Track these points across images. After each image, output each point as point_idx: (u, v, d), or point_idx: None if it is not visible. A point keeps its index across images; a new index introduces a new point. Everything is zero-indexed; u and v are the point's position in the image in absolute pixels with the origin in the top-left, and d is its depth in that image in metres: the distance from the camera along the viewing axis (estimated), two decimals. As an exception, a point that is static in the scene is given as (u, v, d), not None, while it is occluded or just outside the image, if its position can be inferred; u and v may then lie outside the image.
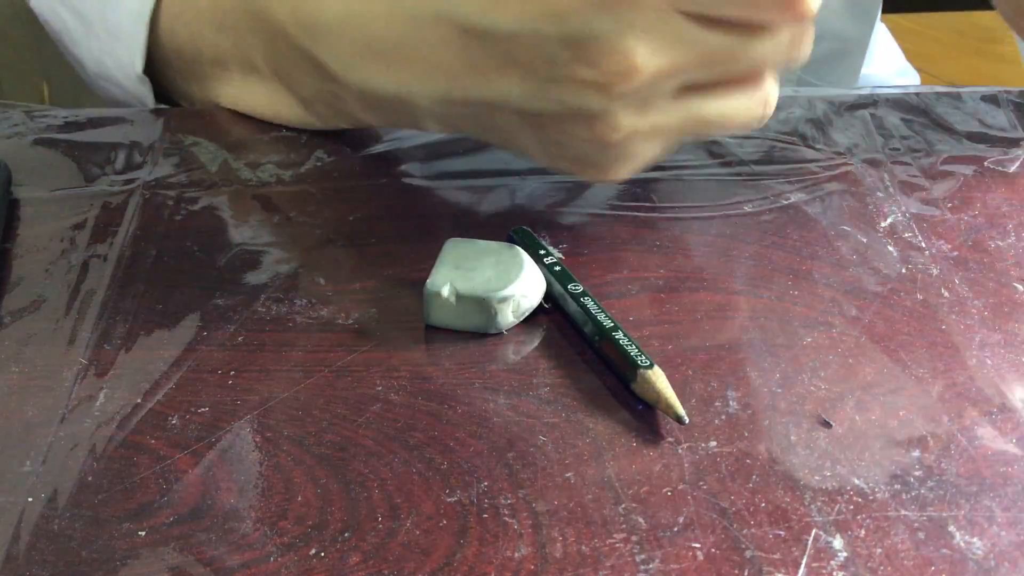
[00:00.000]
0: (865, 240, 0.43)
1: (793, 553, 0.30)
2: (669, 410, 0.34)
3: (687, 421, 0.34)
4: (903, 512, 0.32)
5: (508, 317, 0.38)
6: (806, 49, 0.37)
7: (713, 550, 0.30)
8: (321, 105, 0.46)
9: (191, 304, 0.40)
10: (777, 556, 0.30)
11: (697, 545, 0.31)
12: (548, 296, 0.39)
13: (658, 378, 0.35)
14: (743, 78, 0.38)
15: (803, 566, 0.30)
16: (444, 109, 0.40)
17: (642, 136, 0.37)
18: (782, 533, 0.31)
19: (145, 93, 0.51)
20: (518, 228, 0.42)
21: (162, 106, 0.52)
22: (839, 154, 0.48)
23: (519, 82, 0.37)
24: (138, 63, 0.50)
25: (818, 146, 0.49)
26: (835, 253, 0.42)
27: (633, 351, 0.36)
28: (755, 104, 0.38)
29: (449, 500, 0.32)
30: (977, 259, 0.42)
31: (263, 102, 0.49)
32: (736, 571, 0.30)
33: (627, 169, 0.39)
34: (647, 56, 0.35)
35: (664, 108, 0.37)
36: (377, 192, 0.46)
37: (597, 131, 0.37)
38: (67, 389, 0.36)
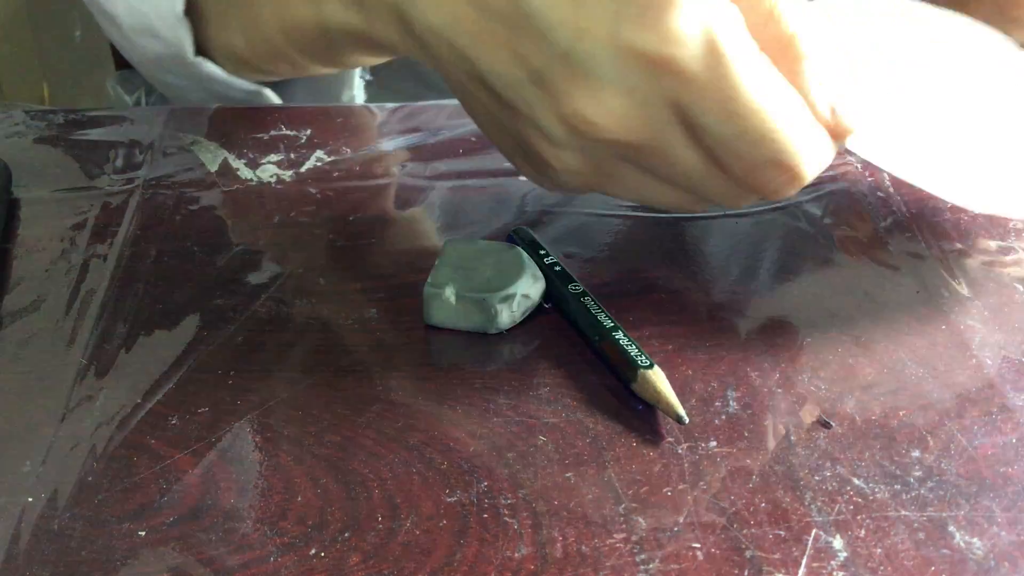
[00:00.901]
0: (865, 240, 0.43)
1: (793, 553, 0.30)
2: (669, 410, 0.34)
3: (687, 421, 0.34)
4: (903, 512, 0.32)
5: (508, 317, 0.38)
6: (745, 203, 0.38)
7: (713, 550, 0.30)
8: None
9: (191, 304, 0.40)
10: (777, 556, 0.30)
11: (697, 545, 0.31)
12: (548, 296, 0.39)
13: (658, 378, 0.35)
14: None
15: (803, 566, 0.30)
16: (450, 53, 0.37)
17: (573, 173, 0.37)
18: (782, 533, 0.31)
19: (184, 36, 0.50)
20: (518, 228, 0.42)
21: (201, 59, 0.51)
22: (839, 154, 0.48)
23: (509, 64, 0.36)
24: (179, 3, 0.49)
25: (818, 146, 0.49)
26: (835, 253, 0.42)
27: (633, 351, 0.36)
28: (686, 203, 0.38)
29: (449, 500, 0.32)
30: (977, 259, 0.42)
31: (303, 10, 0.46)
32: (736, 571, 0.30)
33: (553, 187, 0.39)
34: (619, 120, 0.34)
35: (603, 165, 0.37)
36: (377, 192, 0.46)
37: (541, 149, 0.37)
38: (67, 389, 0.36)
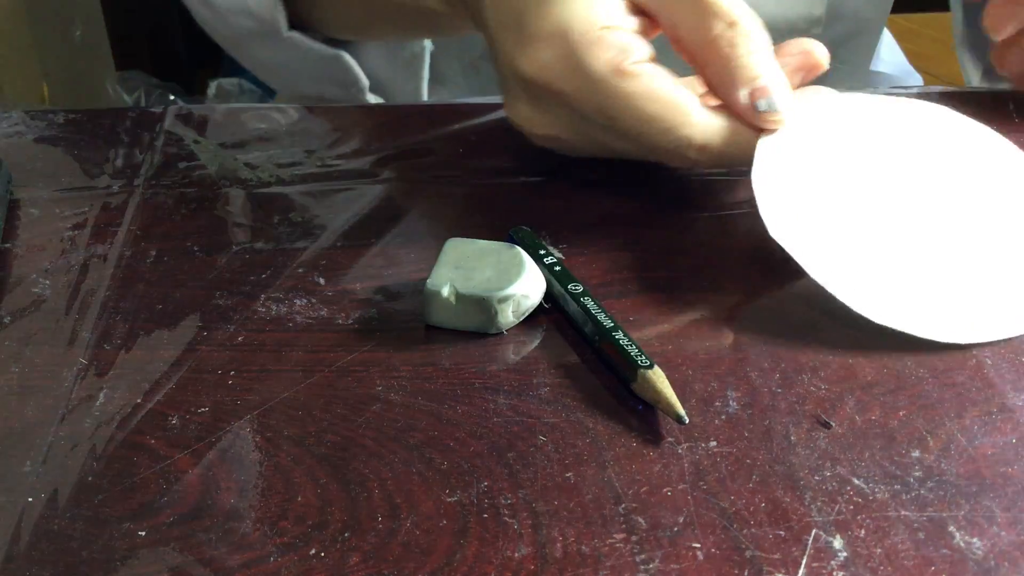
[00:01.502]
0: (865, 240, 0.43)
1: (793, 553, 0.30)
2: (669, 410, 0.34)
3: (687, 421, 0.34)
4: (903, 512, 0.32)
5: (508, 317, 0.38)
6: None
7: (713, 550, 0.30)
8: None
9: (191, 304, 0.40)
10: (777, 556, 0.30)
11: (697, 545, 0.31)
12: (548, 296, 0.39)
13: (658, 378, 0.35)
14: None
15: (803, 566, 0.30)
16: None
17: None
18: (782, 533, 0.31)
19: (278, 15, 0.55)
20: (518, 228, 0.42)
21: (293, 32, 0.55)
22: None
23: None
24: None
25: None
26: (835, 253, 0.42)
27: (633, 351, 0.36)
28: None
29: (449, 500, 0.32)
30: (977, 259, 0.42)
31: None
32: (736, 571, 0.30)
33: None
34: (535, 123, 0.44)
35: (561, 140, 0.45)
36: (377, 192, 0.46)
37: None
38: (67, 389, 0.36)
